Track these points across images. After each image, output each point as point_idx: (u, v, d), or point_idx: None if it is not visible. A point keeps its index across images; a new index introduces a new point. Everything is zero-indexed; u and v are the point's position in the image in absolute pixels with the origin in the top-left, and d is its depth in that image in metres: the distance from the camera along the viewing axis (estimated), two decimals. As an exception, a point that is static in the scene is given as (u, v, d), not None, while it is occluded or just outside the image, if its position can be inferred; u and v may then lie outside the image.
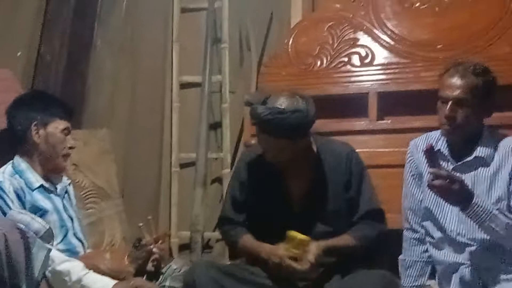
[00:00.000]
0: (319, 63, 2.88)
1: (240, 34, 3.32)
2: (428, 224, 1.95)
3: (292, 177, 2.02)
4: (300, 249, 1.87)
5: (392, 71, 2.76)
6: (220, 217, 2.12)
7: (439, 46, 2.69)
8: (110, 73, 3.29)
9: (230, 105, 3.23)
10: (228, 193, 2.13)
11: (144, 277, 2.02)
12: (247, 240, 2.01)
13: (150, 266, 2.05)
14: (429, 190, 1.78)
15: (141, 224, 2.07)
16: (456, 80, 1.80)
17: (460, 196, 1.71)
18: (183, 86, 3.33)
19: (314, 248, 1.88)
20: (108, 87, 3.28)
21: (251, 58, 3.20)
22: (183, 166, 3.29)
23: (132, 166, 3.25)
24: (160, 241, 2.08)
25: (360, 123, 2.71)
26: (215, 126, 3.33)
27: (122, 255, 1.95)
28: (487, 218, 1.72)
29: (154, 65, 3.35)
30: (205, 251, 3.10)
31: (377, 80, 2.77)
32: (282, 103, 1.89)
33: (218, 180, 3.27)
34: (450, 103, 1.80)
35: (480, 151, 1.85)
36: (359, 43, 2.85)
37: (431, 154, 1.69)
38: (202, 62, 3.23)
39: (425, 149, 1.69)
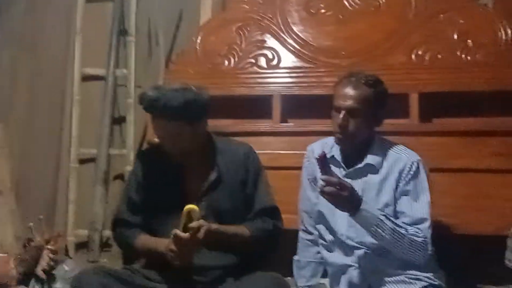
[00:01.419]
0: (226, 63, 2.89)
1: (148, 28, 3.25)
2: (321, 227, 2.02)
3: (190, 175, 1.99)
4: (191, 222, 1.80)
5: (296, 75, 2.82)
6: (114, 219, 2.06)
7: (341, 53, 2.78)
8: (8, 66, 3.11)
9: (135, 100, 3.15)
10: (123, 194, 2.08)
11: (32, 280, 1.93)
12: (144, 238, 1.96)
13: (39, 269, 1.96)
14: (322, 194, 1.83)
15: (31, 224, 1.98)
16: (349, 90, 1.86)
17: (349, 202, 1.78)
18: (86, 78, 3.21)
19: (202, 221, 1.83)
20: (6, 80, 3.10)
21: (159, 53, 3.15)
22: (83, 162, 3.17)
23: (29, 161, 3.09)
24: (51, 242, 1.99)
25: (264, 125, 2.75)
26: (119, 121, 3.24)
27: (6, 258, 1.85)
28: (374, 224, 1.80)
29: (56, 57, 3.21)
30: (104, 250, 3.02)
31: (282, 83, 2.81)
32: (172, 86, 1.88)
33: (121, 177, 3.19)
34: (343, 112, 1.86)
35: (370, 158, 1.93)
36: (266, 45, 2.89)
37: (324, 161, 1.75)
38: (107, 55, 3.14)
39: (317, 157, 1.74)
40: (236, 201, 2.00)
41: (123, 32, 3.21)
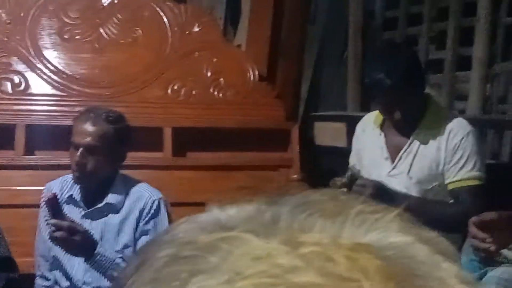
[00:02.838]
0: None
1: None
2: (56, 273, 1.87)
3: None
4: None
5: (46, 103, 2.63)
6: None
7: (96, 83, 2.68)
8: None
9: None
10: None
11: None
12: None
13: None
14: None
15: None
16: (88, 127, 1.78)
17: (83, 247, 1.68)
18: None
19: None
20: None
21: None
22: None
23: None
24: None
25: (4, 158, 2.49)
26: None
27: None
28: (110, 268, 1.73)
29: None
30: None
31: (29, 111, 2.60)
32: None
33: None
34: (80, 149, 1.77)
35: (111, 197, 1.86)
36: (12, 68, 2.64)
37: (54, 204, 1.62)
38: None
39: (47, 199, 1.61)
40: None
41: None
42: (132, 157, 2.02)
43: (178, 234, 0.29)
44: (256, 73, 2.86)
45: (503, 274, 1.38)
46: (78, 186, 1.87)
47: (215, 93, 2.78)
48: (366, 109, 2.95)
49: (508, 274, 1.38)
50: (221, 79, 2.80)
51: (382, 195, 1.82)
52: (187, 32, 2.83)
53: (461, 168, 1.80)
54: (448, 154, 1.82)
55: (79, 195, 1.87)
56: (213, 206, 0.31)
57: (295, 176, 2.65)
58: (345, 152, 2.23)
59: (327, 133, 3.33)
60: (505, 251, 1.43)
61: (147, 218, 1.86)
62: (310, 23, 3.68)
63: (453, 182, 1.81)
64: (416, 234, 0.28)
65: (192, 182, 2.55)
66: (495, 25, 3.12)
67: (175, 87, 2.75)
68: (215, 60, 2.82)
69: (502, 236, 1.33)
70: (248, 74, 2.85)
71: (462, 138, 1.81)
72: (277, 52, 3.04)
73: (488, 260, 1.38)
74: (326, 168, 3.02)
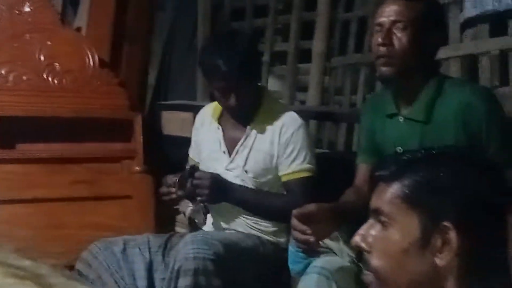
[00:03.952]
0: None
1: None
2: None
3: None
4: None
5: None
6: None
7: None
8: None
9: None
10: None
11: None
12: None
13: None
14: None
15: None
16: None
17: None
18: None
19: None
20: None
21: None
22: None
23: None
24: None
25: None
26: None
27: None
28: None
29: None
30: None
31: None
32: None
33: None
34: None
35: None
36: None
37: None
38: None
39: None
40: None
41: None
42: None
43: None
44: (97, 58, 2.69)
45: (325, 264, 1.42)
46: None
47: (50, 79, 2.55)
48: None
49: (330, 264, 1.42)
50: (56, 64, 2.57)
51: (219, 187, 1.81)
52: (17, 11, 2.57)
53: (293, 161, 1.84)
54: (280, 147, 1.85)
55: None
56: None
57: (137, 168, 2.54)
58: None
59: (175, 123, 3.26)
60: (328, 241, 1.48)
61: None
62: (159, 9, 3.57)
63: (286, 174, 1.85)
64: None
65: (21, 177, 2.33)
66: (334, 21, 3.27)
67: (3, 72, 2.48)
68: (49, 43, 2.59)
69: (321, 228, 1.37)
70: (87, 59, 2.66)
71: (293, 132, 1.85)
72: (122, 37, 2.89)
73: (310, 251, 1.42)
74: (173, 159, 2.96)
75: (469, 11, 2.48)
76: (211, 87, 1.95)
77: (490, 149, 1.42)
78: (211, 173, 1.83)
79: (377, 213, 0.94)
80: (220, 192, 1.80)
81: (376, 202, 0.95)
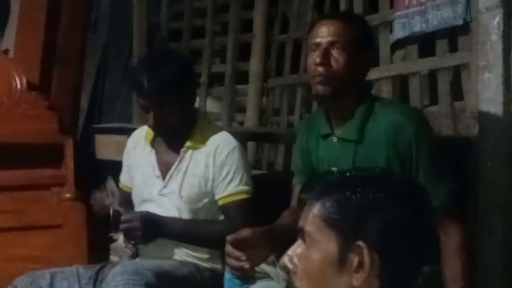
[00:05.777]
0: None
1: None
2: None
3: None
4: None
5: None
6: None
7: None
8: None
9: None
10: None
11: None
12: None
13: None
14: None
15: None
16: None
17: None
18: None
19: None
20: None
21: None
22: None
23: None
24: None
25: None
26: None
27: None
28: None
29: None
30: None
31: None
32: None
33: None
34: None
35: None
36: None
37: None
38: None
39: None
40: None
41: None
42: None
43: None
44: (25, 81, 2.57)
45: (261, 290, 1.38)
46: None
47: (-26, 103, 2.43)
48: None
49: (266, 290, 1.39)
50: (-20, 86, 2.45)
51: (151, 226, 1.75)
52: None
53: (229, 183, 1.80)
54: (216, 170, 1.81)
55: None
56: None
57: (68, 195, 2.43)
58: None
59: (109, 147, 3.16)
60: (264, 266, 1.44)
61: None
62: (91, 31, 3.48)
63: (222, 198, 1.81)
64: None
65: None
66: (270, 42, 3.29)
67: None
68: (-28, 65, 2.47)
69: (256, 253, 1.33)
70: (14, 82, 2.55)
71: (228, 153, 1.81)
72: (53, 59, 2.79)
73: (245, 278, 1.38)
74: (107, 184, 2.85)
75: (398, 32, 2.55)
76: (137, 103, 1.91)
77: (420, 168, 1.44)
78: (140, 213, 1.77)
79: (301, 232, 0.94)
80: (153, 230, 1.74)
81: (301, 221, 0.95)
